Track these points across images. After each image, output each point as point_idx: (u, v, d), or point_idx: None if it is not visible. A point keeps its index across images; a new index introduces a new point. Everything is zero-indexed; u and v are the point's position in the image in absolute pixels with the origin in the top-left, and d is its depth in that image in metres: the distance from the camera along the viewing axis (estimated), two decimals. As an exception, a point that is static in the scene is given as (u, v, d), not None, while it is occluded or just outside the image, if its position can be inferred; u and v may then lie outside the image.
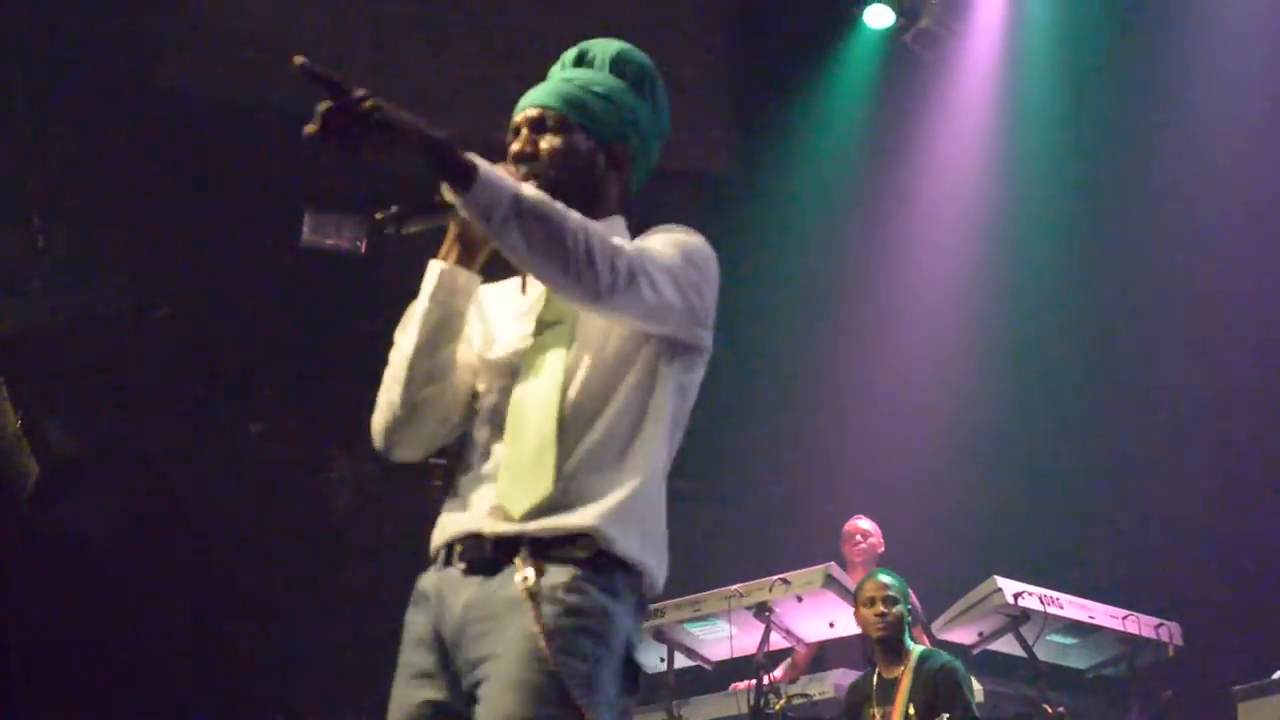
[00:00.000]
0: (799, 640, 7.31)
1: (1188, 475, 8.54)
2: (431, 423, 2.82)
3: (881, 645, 6.00)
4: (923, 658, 5.76)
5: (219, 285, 10.43)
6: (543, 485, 2.65)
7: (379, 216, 2.75)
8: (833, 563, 7.14)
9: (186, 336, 10.29)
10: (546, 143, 2.89)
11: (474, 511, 2.74)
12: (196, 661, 9.71)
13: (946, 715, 5.55)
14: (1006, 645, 7.10)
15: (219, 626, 9.88)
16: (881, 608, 5.92)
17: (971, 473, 9.71)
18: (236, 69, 9.96)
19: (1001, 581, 6.82)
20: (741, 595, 7.08)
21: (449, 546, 2.77)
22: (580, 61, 3.04)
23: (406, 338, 2.85)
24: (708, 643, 7.49)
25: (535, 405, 2.72)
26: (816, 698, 7.04)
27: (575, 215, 2.62)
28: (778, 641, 7.18)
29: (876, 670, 6.00)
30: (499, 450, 2.76)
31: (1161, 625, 7.14)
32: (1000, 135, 10.16)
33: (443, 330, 2.82)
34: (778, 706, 6.57)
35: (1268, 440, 8.31)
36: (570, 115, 2.91)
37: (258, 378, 10.82)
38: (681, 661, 7.55)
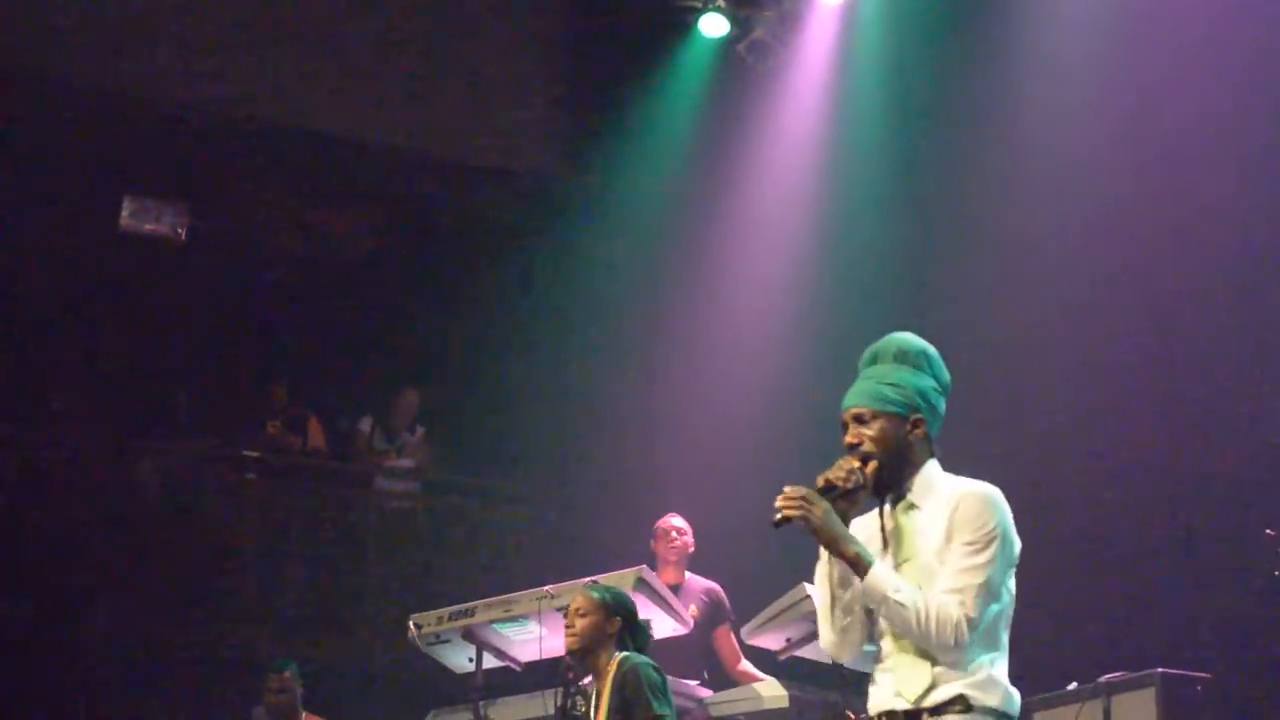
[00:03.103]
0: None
1: (1002, 487, 8.67)
2: (856, 638, 4.03)
3: (578, 657, 5.94)
4: (619, 664, 5.73)
5: (31, 267, 10.18)
6: (924, 678, 3.85)
7: (777, 519, 3.88)
8: (644, 566, 7.14)
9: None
10: (868, 431, 4.01)
11: (886, 693, 3.95)
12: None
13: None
14: (813, 652, 7.17)
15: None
16: (568, 620, 5.89)
17: (786, 475, 9.78)
18: (53, 46, 9.73)
19: (810, 588, 6.87)
20: (553, 596, 7.04)
21: (878, 717, 3.98)
22: (874, 360, 4.14)
23: (820, 593, 4.05)
24: (517, 643, 7.44)
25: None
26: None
27: (922, 607, 3.81)
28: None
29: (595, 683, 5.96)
30: (893, 648, 3.93)
31: (963, 636, 7.25)
32: (827, 147, 10.28)
33: (843, 585, 3.97)
34: (584, 709, 6.53)
35: (1080, 459, 8.50)
36: (876, 407, 4.02)
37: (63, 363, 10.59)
38: (490, 662, 7.49)
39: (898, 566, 3.95)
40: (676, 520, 8.08)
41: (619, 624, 5.81)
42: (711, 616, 7.85)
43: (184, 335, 11.19)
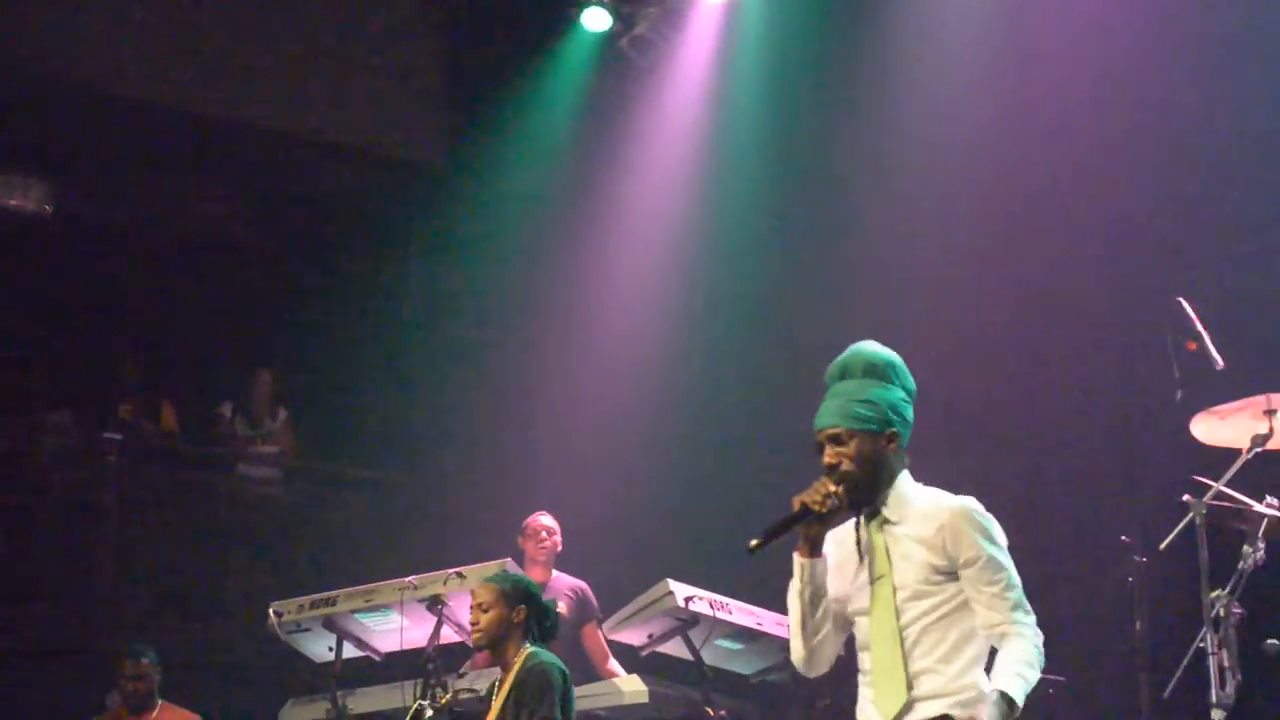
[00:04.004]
0: (471, 635, 7.26)
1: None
2: (828, 653, 4.13)
3: (485, 650, 5.91)
4: (527, 659, 5.70)
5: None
6: (899, 695, 3.91)
7: (752, 546, 3.90)
8: (509, 559, 7.12)
9: None
10: (846, 451, 4.02)
11: (869, 708, 4.02)
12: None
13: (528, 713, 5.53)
14: (676, 648, 7.19)
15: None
16: (471, 616, 5.85)
17: (656, 473, 9.82)
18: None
19: (674, 585, 6.90)
20: (415, 587, 7.01)
21: None
22: (843, 376, 4.12)
23: (792, 610, 4.10)
24: (379, 633, 7.40)
25: (885, 639, 3.97)
26: (484, 693, 6.99)
27: (1033, 664, 3.90)
28: (450, 636, 7.12)
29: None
30: (874, 664, 3.98)
31: (826, 634, 7.31)
32: (708, 141, 10.34)
33: (815, 603, 4.06)
34: (444, 700, 6.50)
35: (942, 466, 8.60)
36: (852, 426, 4.03)
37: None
38: (351, 652, 7.43)
39: (872, 582, 4.01)
40: (546, 519, 8.05)
41: (524, 612, 5.75)
42: (579, 614, 7.84)
43: (44, 313, 10.98)
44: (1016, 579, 3.95)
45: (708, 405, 9.79)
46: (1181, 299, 6.10)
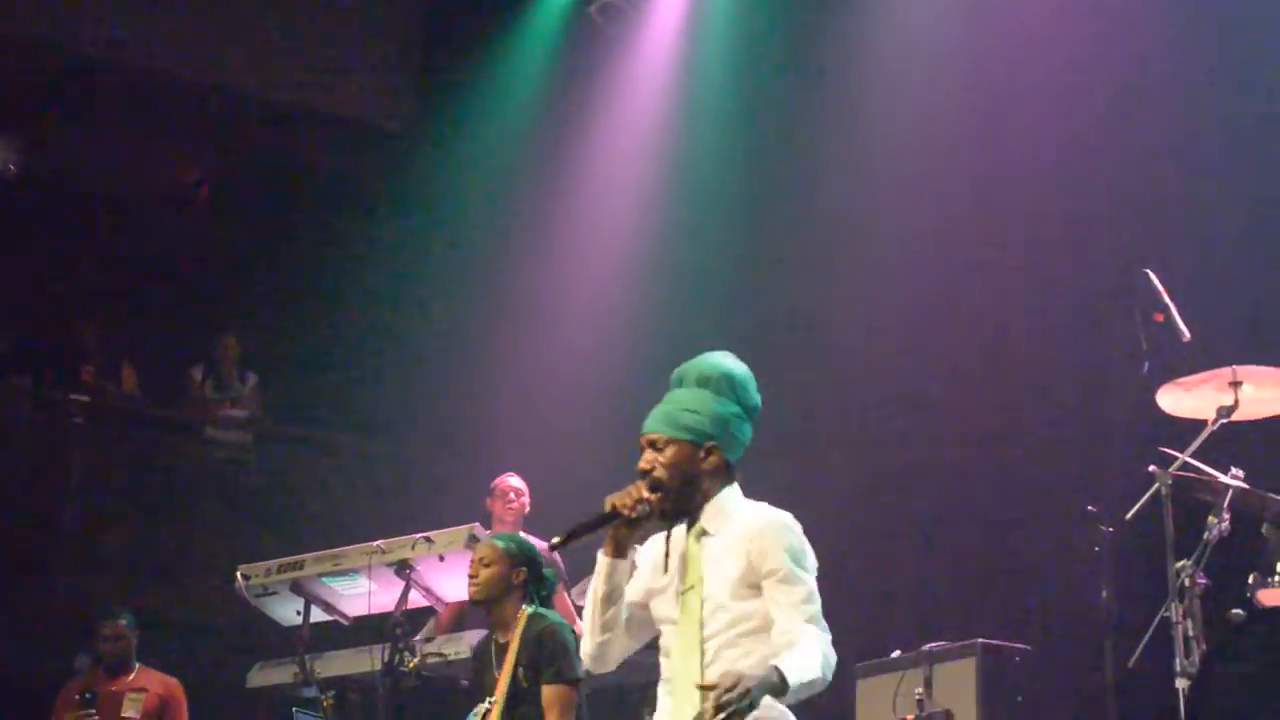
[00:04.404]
0: (439, 599, 7.27)
1: (822, 469, 8.82)
2: (614, 654, 4.10)
3: (484, 608, 5.92)
4: (531, 620, 5.71)
5: None
6: (693, 706, 3.80)
7: (554, 543, 3.97)
8: (477, 523, 7.12)
9: None
10: (661, 457, 4.00)
11: (665, 716, 3.98)
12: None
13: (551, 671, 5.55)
14: (643, 612, 7.20)
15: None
16: (470, 569, 5.85)
17: (623, 437, 9.81)
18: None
19: (640, 547, 6.90)
20: (383, 551, 7.01)
21: None
22: (680, 383, 4.11)
23: (586, 606, 4.09)
24: (346, 598, 7.39)
25: (686, 650, 3.92)
26: (451, 658, 7.01)
27: (819, 664, 3.76)
28: (418, 600, 7.13)
29: (494, 635, 5.93)
30: (672, 672, 3.96)
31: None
32: (675, 109, 10.35)
33: (607, 603, 4.03)
34: (411, 665, 6.50)
35: (910, 437, 8.66)
36: (670, 434, 4.01)
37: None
38: (319, 615, 7.43)
39: (682, 593, 3.98)
40: (514, 480, 8.07)
41: (524, 574, 5.75)
42: (547, 576, 7.84)
43: (6, 274, 10.90)
44: (817, 597, 3.90)
45: (673, 370, 9.80)
46: (1149, 271, 6.14)
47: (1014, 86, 8.40)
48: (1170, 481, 5.67)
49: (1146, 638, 5.58)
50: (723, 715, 3.58)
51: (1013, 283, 8.36)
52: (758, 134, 9.80)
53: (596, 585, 4.05)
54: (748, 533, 3.93)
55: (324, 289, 11.63)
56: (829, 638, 3.84)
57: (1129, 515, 5.82)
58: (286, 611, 7.51)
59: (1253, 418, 5.92)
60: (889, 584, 8.40)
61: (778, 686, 3.66)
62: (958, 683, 6.43)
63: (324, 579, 7.28)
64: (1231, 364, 5.79)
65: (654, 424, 4.05)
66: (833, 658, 3.83)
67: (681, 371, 4.14)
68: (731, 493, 4.05)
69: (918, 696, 6.49)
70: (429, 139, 11.42)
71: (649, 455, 4.02)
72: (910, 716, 6.49)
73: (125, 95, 11.12)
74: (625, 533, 3.97)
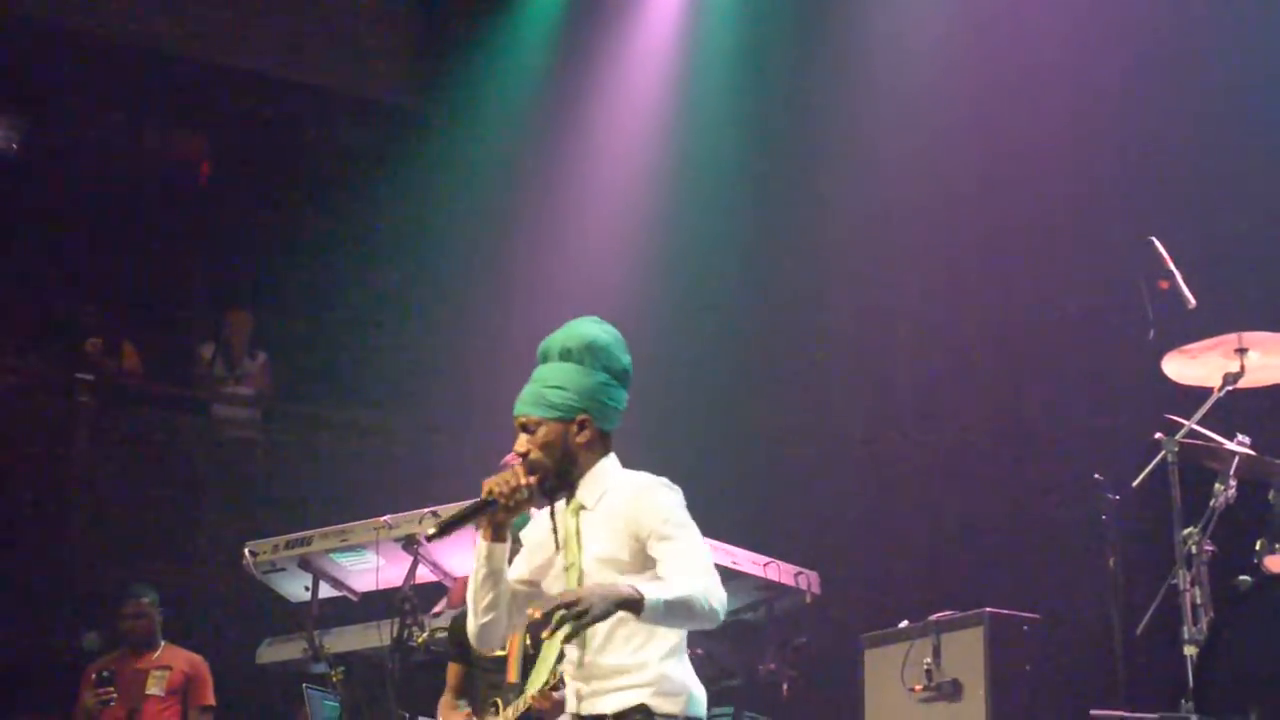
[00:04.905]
0: (447, 574, 7.28)
1: (832, 439, 8.83)
2: (497, 633, 4.08)
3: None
4: None
5: None
6: (599, 685, 3.88)
7: (430, 534, 3.99)
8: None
9: None
10: (535, 439, 3.96)
11: (571, 698, 4.01)
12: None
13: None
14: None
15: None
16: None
17: (630, 414, 9.81)
18: None
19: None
20: (391, 527, 7.03)
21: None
22: (544, 359, 4.06)
23: (469, 587, 4.04)
24: (355, 573, 7.42)
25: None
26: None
27: (698, 590, 3.74)
28: (426, 575, 7.14)
29: None
30: (576, 655, 3.96)
31: (801, 573, 7.37)
32: (679, 81, 10.31)
33: (487, 584, 3.98)
34: (420, 640, 6.53)
35: (917, 409, 8.66)
36: (539, 414, 3.97)
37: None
38: (327, 591, 7.45)
39: (567, 568, 3.98)
40: (523, 455, 8.04)
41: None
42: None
43: (12, 253, 10.90)
44: (700, 548, 3.87)
45: (683, 348, 9.79)
46: (1154, 238, 6.13)
47: (1020, 59, 8.36)
48: (1177, 449, 5.67)
49: (1154, 605, 5.58)
50: (554, 621, 3.58)
51: (1019, 252, 8.34)
52: (762, 108, 9.79)
53: (476, 568, 4.01)
54: (622, 501, 3.91)
55: (334, 265, 11.63)
56: (715, 579, 3.79)
57: (1135, 483, 5.82)
58: (295, 588, 7.53)
59: (1259, 384, 5.92)
60: (896, 554, 8.41)
61: (632, 599, 3.61)
62: (966, 652, 6.42)
63: (332, 555, 7.30)
64: (1237, 330, 5.78)
65: (522, 406, 4.02)
66: (718, 594, 3.77)
67: (545, 346, 4.09)
68: (608, 463, 4.03)
69: (926, 666, 6.48)
70: (436, 113, 11.42)
71: (523, 438, 3.98)
72: (918, 686, 6.49)
73: (138, 72, 11.11)
74: (502, 518, 3.93)
